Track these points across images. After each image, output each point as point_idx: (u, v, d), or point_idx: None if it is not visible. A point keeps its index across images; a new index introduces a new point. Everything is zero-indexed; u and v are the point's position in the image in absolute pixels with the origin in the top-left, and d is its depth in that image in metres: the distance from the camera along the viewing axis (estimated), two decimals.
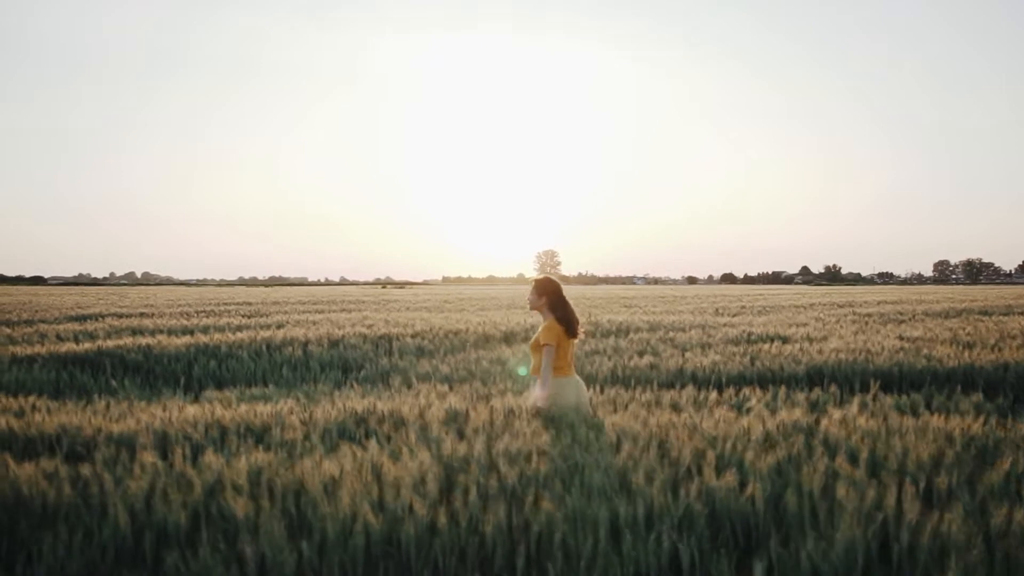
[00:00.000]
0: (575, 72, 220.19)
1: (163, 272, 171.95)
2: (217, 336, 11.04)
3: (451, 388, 6.94)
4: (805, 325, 13.46)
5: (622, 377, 7.94)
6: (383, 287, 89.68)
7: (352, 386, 7.49)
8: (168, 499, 3.38)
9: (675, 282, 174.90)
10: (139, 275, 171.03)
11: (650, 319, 14.51)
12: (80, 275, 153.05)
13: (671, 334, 11.31)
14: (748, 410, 5.37)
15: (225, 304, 24.23)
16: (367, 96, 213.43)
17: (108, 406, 6.06)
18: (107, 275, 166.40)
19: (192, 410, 5.52)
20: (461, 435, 4.42)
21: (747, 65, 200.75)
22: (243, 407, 5.67)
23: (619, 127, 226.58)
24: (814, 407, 5.75)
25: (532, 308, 4.96)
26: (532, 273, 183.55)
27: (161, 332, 12.89)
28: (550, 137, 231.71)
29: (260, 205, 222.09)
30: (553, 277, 4.89)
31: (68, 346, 10.27)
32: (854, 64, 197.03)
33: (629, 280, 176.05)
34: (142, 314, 18.16)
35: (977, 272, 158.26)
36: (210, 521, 3.30)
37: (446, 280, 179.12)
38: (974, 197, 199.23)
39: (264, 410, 5.48)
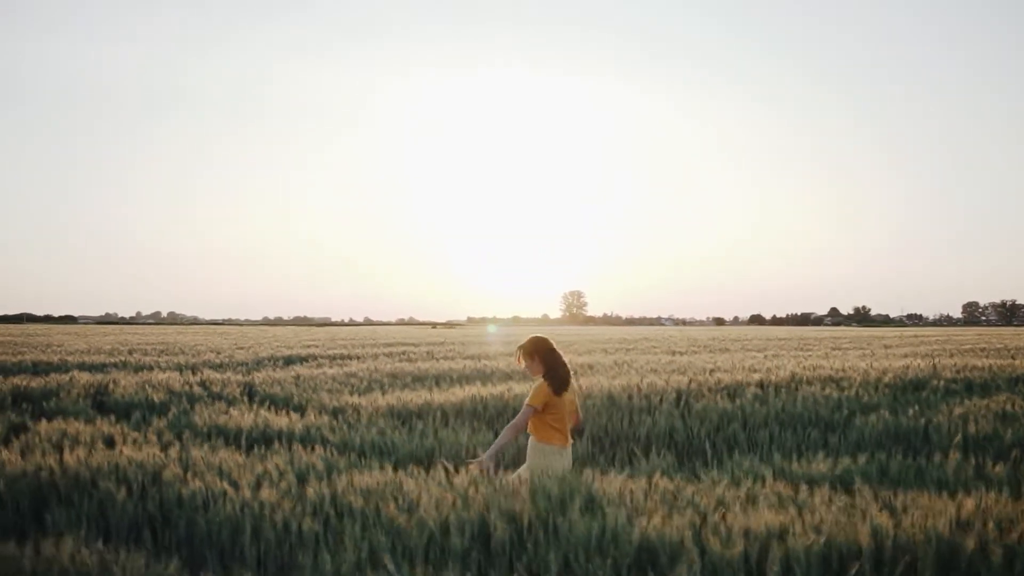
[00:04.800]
0: (597, 112, 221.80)
1: (188, 312, 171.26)
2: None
3: None
4: None
5: None
6: (433, 327, 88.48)
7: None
8: None
9: (702, 323, 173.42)
10: (164, 315, 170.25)
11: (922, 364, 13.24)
12: (107, 314, 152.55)
13: None
14: None
15: (381, 345, 22.97)
16: (382, 133, 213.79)
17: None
18: (134, 314, 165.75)
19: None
20: None
21: (767, 102, 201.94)
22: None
23: (641, 164, 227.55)
24: None
25: (530, 372, 4.68)
26: (557, 314, 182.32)
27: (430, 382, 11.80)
28: (571, 174, 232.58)
29: (277, 245, 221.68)
30: (541, 335, 4.66)
31: (389, 399, 9.18)
32: (878, 100, 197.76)
33: (656, 321, 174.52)
34: (337, 355, 17.05)
35: (1010, 313, 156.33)
36: None
37: (471, 320, 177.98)
38: (1001, 238, 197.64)
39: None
